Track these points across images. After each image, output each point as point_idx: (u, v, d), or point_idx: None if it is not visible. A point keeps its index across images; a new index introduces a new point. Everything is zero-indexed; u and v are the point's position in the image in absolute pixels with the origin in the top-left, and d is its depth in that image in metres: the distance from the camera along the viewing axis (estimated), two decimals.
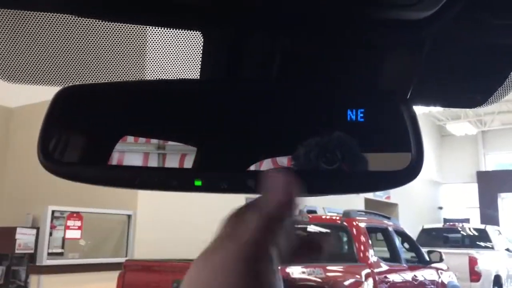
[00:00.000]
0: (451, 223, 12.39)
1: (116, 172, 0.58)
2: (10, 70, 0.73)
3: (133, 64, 0.76)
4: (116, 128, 0.61)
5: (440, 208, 18.27)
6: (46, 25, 0.65)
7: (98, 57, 0.72)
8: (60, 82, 0.75)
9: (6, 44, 0.70)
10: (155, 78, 0.79)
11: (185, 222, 7.31)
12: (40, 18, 0.64)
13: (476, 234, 11.24)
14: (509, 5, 0.58)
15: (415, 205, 15.45)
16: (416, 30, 0.57)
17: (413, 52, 0.64)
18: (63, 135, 0.58)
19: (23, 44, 0.69)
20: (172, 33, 0.68)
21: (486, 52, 0.71)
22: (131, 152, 0.61)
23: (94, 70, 0.73)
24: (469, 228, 11.60)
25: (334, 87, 0.64)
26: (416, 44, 0.62)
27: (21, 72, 0.73)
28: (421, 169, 0.57)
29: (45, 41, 0.68)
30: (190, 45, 0.70)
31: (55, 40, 0.69)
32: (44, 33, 0.67)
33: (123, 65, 0.75)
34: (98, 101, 0.60)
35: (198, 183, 0.56)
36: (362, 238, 5.80)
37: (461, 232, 11.45)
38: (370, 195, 12.15)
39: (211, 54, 0.67)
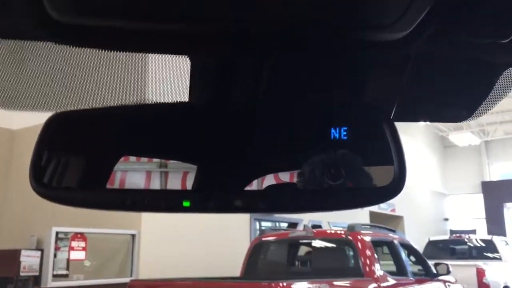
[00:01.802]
0: (458, 235, 12.29)
1: (106, 195, 0.60)
2: (5, 97, 0.75)
3: (125, 88, 0.77)
4: (105, 152, 0.63)
5: (446, 219, 18.13)
6: (37, 54, 0.67)
7: (87, 83, 0.74)
8: (54, 108, 0.77)
9: (2, 73, 0.72)
10: (146, 102, 0.80)
11: (189, 241, 7.29)
12: (29, 48, 0.66)
13: (483, 245, 11.13)
14: (485, 25, 0.59)
15: (421, 217, 15.33)
16: (395, 49, 0.58)
17: (394, 71, 0.66)
18: (53, 160, 0.59)
19: (18, 72, 0.71)
20: (162, 58, 0.70)
21: (468, 68, 0.72)
22: (121, 175, 0.63)
23: (84, 96, 0.75)
24: (476, 239, 11.49)
25: (318, 107, 0.66)
26: (397, 63, 0.64)
27: (16, 99, 0.75)
28: (405, 182, 0.59)
29: (38, 69, 0.70)
30: (179, 69, 0.72)
31: (48, 68, 0.71)
32: (36, 62, 0.69)
33: (115, 89, 0.77)
34: (87, 126, 0.62)
35: (186, 204, 0.58)
36: (368, 252, 5.75)
37: (468, 243, 11.34)
38: (375, 208, 12.08)
39: (199, 78, 0.68)
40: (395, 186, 0.59)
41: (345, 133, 0.61)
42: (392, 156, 0.59)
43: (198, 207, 0.58)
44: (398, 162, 0.59)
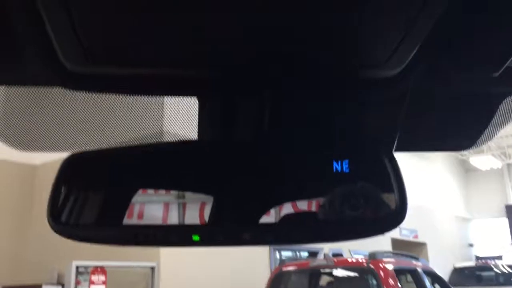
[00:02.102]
0: (483, 261, 11.98)
1: (120, 231, 0.63)
2: (23, 139, 0.79)
3: (140, 127, 0.81)
4: (118, 190, 0.66)
5: (471, 245, 17.69)
6: (53, 98, 0.71)
7: (103, 123, 0.78)
8: (70, 148, 0.81)
9: (21, 116, 0.76)
10: (160, 140, 0.84)
11: (209, 272, 7.25)
12: (46, 92, 0.70)
13: (510, 271, 10.81)
14: (475, 60, 0.62)
15: (445, 243, 14.98)
16: (391, 85, 0.61)
17: (393, 105, 0.68)
18: (70, 199, 0.63)
19: (35, 115, 0.76)
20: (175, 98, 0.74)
21: (466, 99, 0.74)
22: (134, 211, 0.66)
23: (99, 136, 0.79)
24: (503, 265, 11.18)
25: (320, 141, 0.68)
26: (395, 98, 0.66)
27: (34, 141, 0.79)
28: (406, 212, 0.62)
29: (55, 112, 0.75)
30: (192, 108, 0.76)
31: (65, 110, 0.75)
32: (52, 105, 0.73)
33: (130, 129, 0.80)
34: (102, 166, 0.66)
35: (196, 238, 0.60)
36: (391, 281, 5.64)
37: (495, 269, 11.03)
38: (396, 235, 11.86)
39: (207, 117, 0.72)
40: (397, 215, 0.61)
41: (346, 165, 0.63)
42: (393, 186, 0.62)
43: (208, 241, 0.61)
44: (399, 193, 0.62)
